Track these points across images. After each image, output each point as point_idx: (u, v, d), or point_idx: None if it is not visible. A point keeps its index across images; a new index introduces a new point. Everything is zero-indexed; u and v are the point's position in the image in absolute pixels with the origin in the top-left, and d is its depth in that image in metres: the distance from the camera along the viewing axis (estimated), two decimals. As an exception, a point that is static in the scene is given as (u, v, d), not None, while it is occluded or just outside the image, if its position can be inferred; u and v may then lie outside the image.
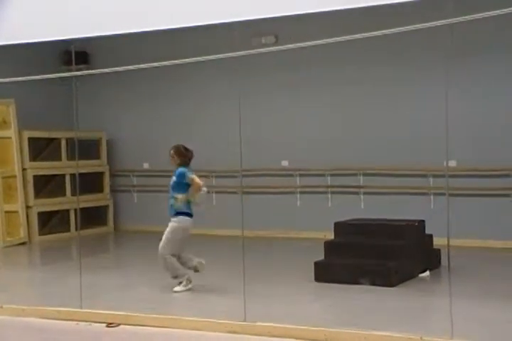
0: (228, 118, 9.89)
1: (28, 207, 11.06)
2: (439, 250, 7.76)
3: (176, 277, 7.00)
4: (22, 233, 10.89)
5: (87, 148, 11.53)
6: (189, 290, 6.95)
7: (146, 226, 11.98)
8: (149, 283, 7.46)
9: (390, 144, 10.27)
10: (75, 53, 11.25)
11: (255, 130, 10.71)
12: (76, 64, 11.34)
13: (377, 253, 7.28)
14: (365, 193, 10.48)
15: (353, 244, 7.52)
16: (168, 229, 7.06)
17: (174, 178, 7.09)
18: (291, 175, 11.04)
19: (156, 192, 12.10)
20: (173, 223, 7.04)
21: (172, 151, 7.18)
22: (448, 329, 4.99)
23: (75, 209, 10.99)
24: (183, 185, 7.01)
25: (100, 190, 12.28)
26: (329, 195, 10.74)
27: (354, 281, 7.03)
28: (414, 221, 7.86)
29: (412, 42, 9.61)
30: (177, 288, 6.94)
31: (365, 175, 10.47)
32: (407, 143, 10.15)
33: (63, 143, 11.57)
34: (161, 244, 7.04)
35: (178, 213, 7.03)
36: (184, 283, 6.97)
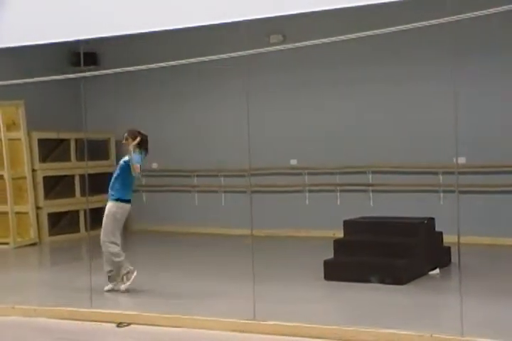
0: (237, 117, 9.89)
1: (38, 208, 11.10)
2: (449, 247, 7.72)
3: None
4: (32, 234, 10.93)
5: (96, 149, 11.56)
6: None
7: (155, 226, 12.01)
8: (158, 283, 7.47)
9: (399, 142, 10.24)
10: (84, 54, 11.26)
11: (264, 129, 10.71)
12: (85, 65, 11.35)
13: (386, 251, 7.26)
14: (374, 191, 10.46)
15: (362, 242, 7.51)
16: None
17: (122, 162, 7.16)
18: (299, 174, 11.03)
19: (166, 192, 12.13)
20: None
21: (126, 134, 7.14)
22: (458, 327, 4.97)
23: (85, 210, 11.01)
24: None
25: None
26: (338, 193, 10.72)
27: (364, 279, 7.01)
28: (424, 218, 7.84)
29: (421, 39, 9.56)
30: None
31: (373, 172, 10.45)
32: (416, 140, 10.13)
33: (72, 144, 11.61)
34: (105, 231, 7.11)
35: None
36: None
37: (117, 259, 6.96)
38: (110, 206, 7.12)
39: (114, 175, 7.21)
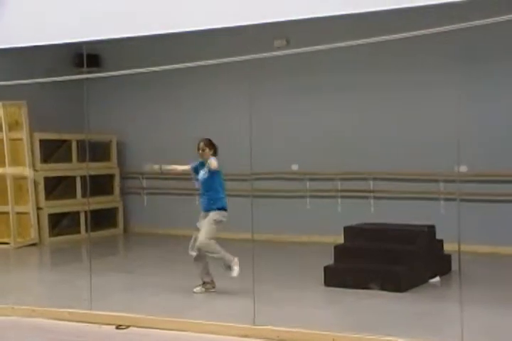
0: (239, 121, 9.90)
1: (38, 209, 11.09)
2: (450, 255, 7.72)
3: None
4: (33, 234, 10.93)
5: (97, 150, 11.57)
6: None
7: (155, 228, 12.01)
8: (159, 286, 7.47)
9: (401, 149, 10.25)
10: (87, 56, 11.28)
11: (265, 134, 10.70)
12: (88, 66, 11.37)
13: (387, 258, 7.25)
14: (375, 198, 10.46)
15: (362, 249, 7.51)
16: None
17: (207, 169, 7.02)
18: (301, 179, 11.03)
19: (166, 195, 12.12)
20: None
21: (202, 144, 7.13)
22: (458, 335, 4.97)
23: (86, 211, 11.00)
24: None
25: (110, 192, 12.31)
26: (339, 200, 10.72)
27: (364, 286, 7.01)
28: (425, 226, 7.84)
29: (424, 47, 9.58)
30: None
31: (375, 179, 10.45)
32: (418, 147, 10.13)
33: (74, 145, 11.61)
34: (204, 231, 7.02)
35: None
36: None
37: (215, 255, 6.99)
38: (213, 214, 7.07)
39: (205, 185, 7.13)
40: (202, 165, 7.19)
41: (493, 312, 6.13)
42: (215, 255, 7.00)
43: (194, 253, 7.09)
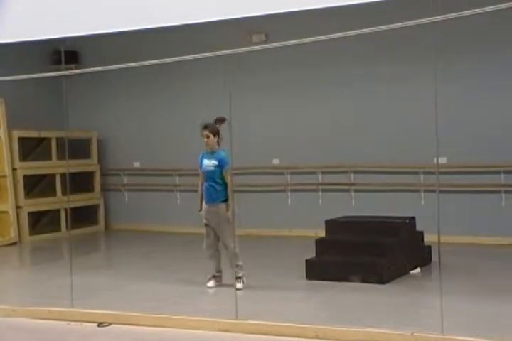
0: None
1: (18, 207, 11.00)
2: (430, 246, 7.78)
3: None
4: (12, 233, 10.84)
5: (77, 148, 11.49)
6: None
7: (137, 225, 11.98)
8: (140, 282, 7.45)
9: (381, 141, 10.29)
10: (65, 53, 11.17)
11: (246, 128, 10.70)
12: (66, 63, 11.27)
13: (368, 251, 7.29)
14: (355, 190, 10.51)
15: (344, 242, 7.53)
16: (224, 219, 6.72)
17: (216, 162, 6.76)
18: (282, 173, 11.04)
19: (147, 191, 12.10)
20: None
21: (207, 131, 6.81)
22: (439, 326, 5.00)
23: (66, 209, 10.94)
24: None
25: (91, 189, 12.25)
26: (320, 193, 10.75)
27: (345, 279, 7.04)
28: (405, 218, 7.88)
29: (402, 40, 9.61)
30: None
31: (355, 172, 10.49)
32: (398, 140, 10.19)
33: (53, 142, 11.52)
34: (226, 235, 6.72)
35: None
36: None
37: (240, 262, 6.83)
38: (220, 208, 6.72)
39: (210, 176, 6.76)
40: (208, 154, 6.87)
41: (472, 302, 6.18)
42: (239, 262, 6.83)
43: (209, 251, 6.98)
